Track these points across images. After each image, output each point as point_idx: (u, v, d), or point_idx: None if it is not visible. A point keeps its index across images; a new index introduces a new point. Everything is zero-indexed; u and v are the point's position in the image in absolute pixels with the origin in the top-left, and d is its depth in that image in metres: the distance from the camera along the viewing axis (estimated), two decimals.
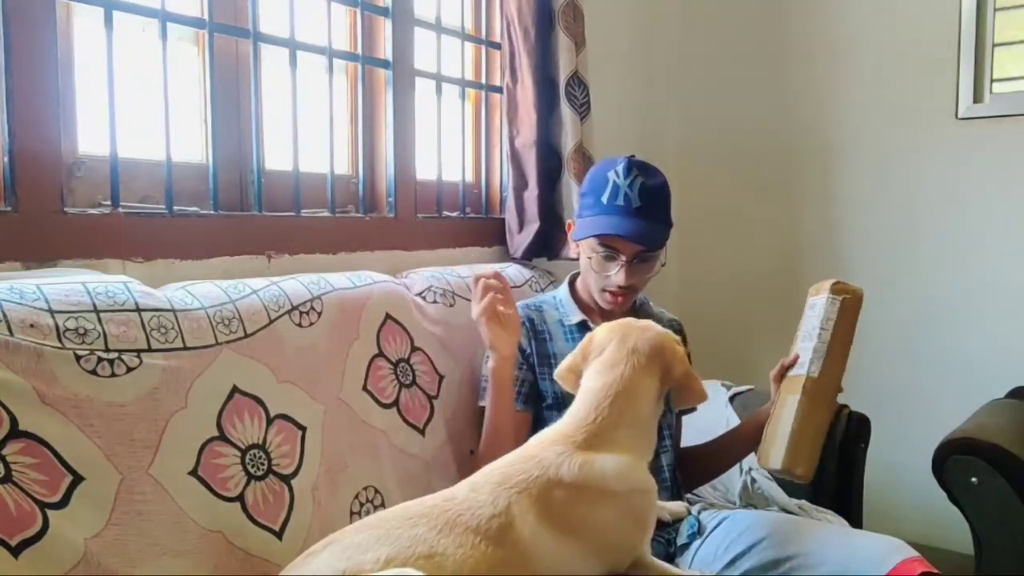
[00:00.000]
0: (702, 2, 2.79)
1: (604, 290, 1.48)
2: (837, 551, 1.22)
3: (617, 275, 1.43)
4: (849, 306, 1.39)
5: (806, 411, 1.33)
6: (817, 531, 1.34)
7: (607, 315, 1.53)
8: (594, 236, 1.44)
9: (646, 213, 1.43)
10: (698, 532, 1.40)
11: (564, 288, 1.59)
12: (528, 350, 1.49)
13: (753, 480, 1.77)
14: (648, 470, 1.08)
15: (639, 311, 1.57)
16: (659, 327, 1.19)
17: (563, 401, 1.35)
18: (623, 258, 1.43)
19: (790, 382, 1.39)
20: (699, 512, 1.48)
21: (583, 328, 1.50)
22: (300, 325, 1.31)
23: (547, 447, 1.04)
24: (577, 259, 1.57)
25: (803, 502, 1.77)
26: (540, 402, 1.49)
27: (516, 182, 1.99)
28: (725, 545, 1.33)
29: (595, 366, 1.14)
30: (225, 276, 1.36)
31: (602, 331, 1.18)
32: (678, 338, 1.19)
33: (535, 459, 1.01)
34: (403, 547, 0.87)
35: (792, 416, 1.34)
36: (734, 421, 1.83)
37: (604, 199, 1.45)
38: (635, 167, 1.45)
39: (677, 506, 1.44)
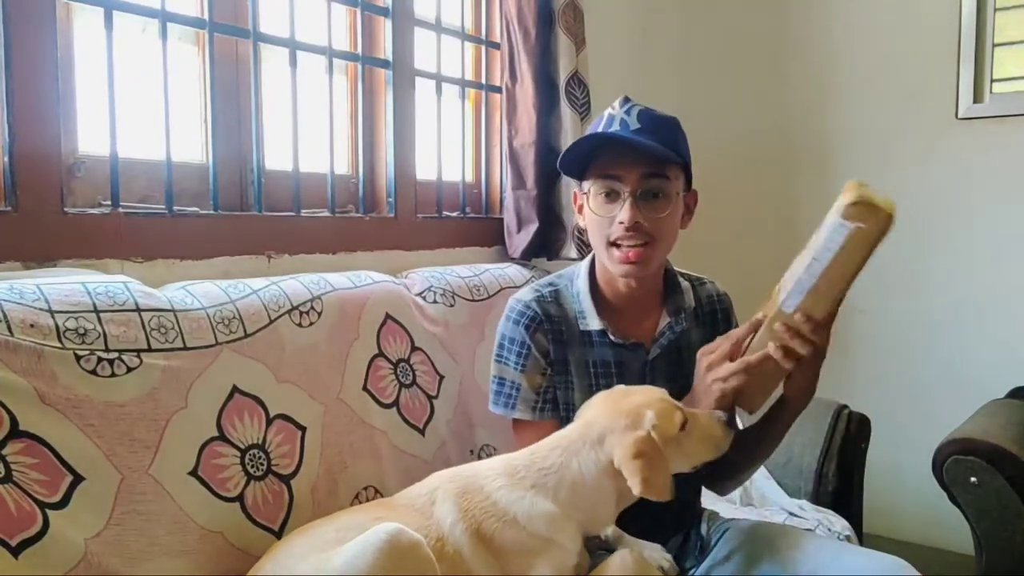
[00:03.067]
0: (702, 2, 2.79)
1: (612, 244, 1.23)
2: (835, 569, 1.15)
3: (621, 211, 1.20)
4: (860, 239, 1.06)
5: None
6: (814, 547, 1.22)
7: (631, 313, 1.31)
8: (577, 157, 1.24)
9: (647, 134, 1.21)
10: (704, 554, 1.32)
11: (583, 277, 1.33)
12: (549, 349, 1.30)
13: (752, 480, 1.77)
14: (572, 530, 1.07)
15: (672, 292, 1.35)
16: (641, 406, 1.07)
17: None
18: (626, 191, 1.20)
19: (767, 306, 1.14)
20: (709, 527, 1.36)
21: (603, 336, 1.29)
22: (300, 325, 1.31)
23: (495, 465, 1.12)
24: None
25: (803, 502, 1.77)
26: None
27: (514, 182, 1.99)
28: (721, 561, 1.28)
29: (574, 421, 1.16)
30: (225, 276, 1.36)
31: (597, 397, 1.16)
32: (649, 427, 1.05)
33: (482, 465, 1.14)
34: (359, 513, 1.09)
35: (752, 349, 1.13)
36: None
37: (591, 128, 1.28)
38: (633, 102, 1.26)
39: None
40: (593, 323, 1.29)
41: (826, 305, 1.09)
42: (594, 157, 1.25)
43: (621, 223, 1.21)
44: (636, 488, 1.03)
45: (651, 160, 1.21)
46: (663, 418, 1.08)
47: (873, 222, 1.07)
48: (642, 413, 1.07)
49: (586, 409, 1.16)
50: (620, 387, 1.17)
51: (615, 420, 1.08)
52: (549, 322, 1.30)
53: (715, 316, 1.39)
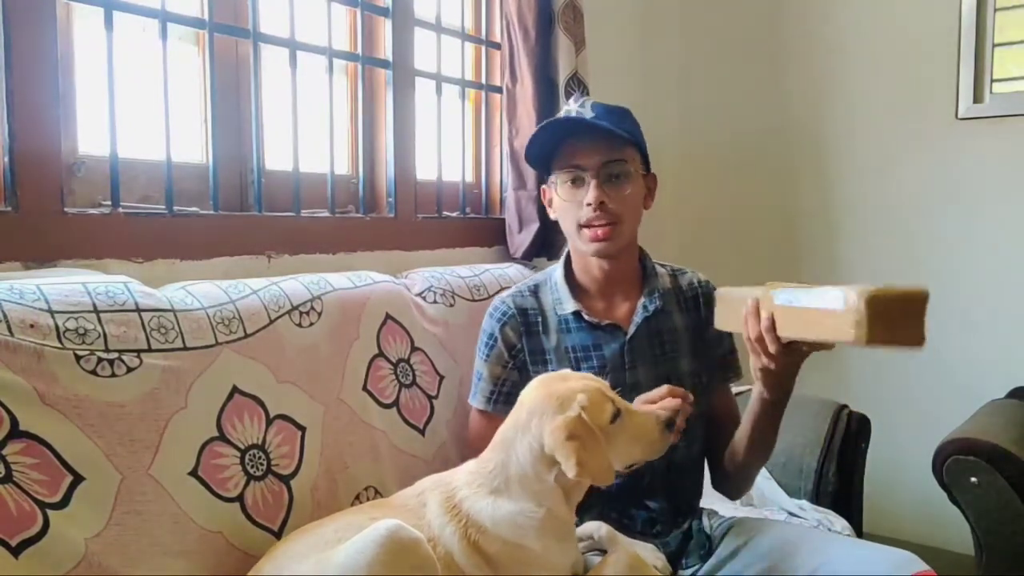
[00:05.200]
0: (702, 2, 2.79)
1: (582, 227, 1.31)
2: (845, 563, 1.14)
3: (588, 194, 1.28)
4: (833, 322, 0.97)
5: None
6: (823, 542, 1.24)
7: (607, 296, 1.38)
8: (537, 150, 1.31)
9: (602, 119, 1.29)
10: (709, 551, 1.31)
11: (560, 267, 1.41)
12: (519, 345, 1.36)
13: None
14: (538, 531, 1.05)
15: (648, 275, 1.39)
16: (573, 390, 1.06)
17: None
18: (589, 174, 1.29)
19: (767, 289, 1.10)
20: (712, 526, 1.37)
21: (578, 319, 1.34)
22: (300, 325, 1.31)
23: (460, 475, 1.12)
24: None
25: (803, 502, 1.77)
26: None
27: (515, 182, 1.99)
28: (727, 558, 1.27)
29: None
30: (225, 276, 1.36)
31: (533, 382, 1.15)
32: (578, 409, 1.04)
33: (458, 472, 1.14)
34: (352, 514, 1.10)
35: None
36: None
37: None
38: (586, 96, 1.35)
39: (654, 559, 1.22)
40: (568, 306, 1.36)
41: (786, 330, 1.06)
42: (557, 152, 1.34)
43: (588, 204, 1.29)
44: (570, 471, 1.00)
45: (609, 145, 1.29)
46: (594, 404, 1.06)
47: (850, 326, 0.93)
48: (572, 396, 1.06)
49: (522, 395, 1.14)
50: (562, 371, 1.16)
51: (544, 403, 1.07)
52: (523, 316, 1.37)
53: (698, 302, 1.42)
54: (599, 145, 1.29)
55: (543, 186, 1.41)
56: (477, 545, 1.04)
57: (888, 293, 0.93)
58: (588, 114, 1.30)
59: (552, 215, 1.40)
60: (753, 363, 1.15)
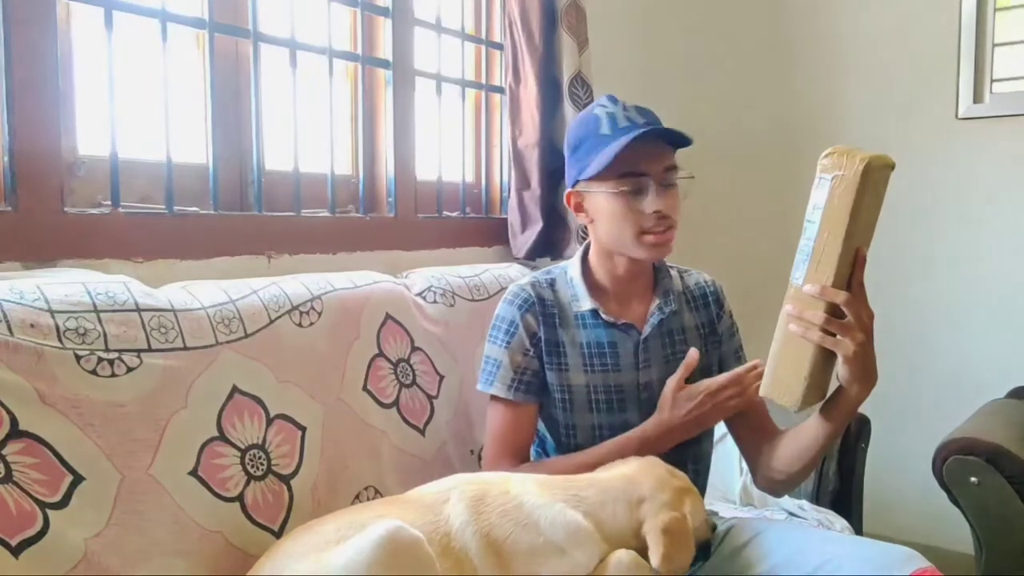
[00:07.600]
0: (704, 2, 2.79)
1: (644, 233, 1.29)
2: (846, 561, 1.14)
3: (652, 201, 1.26)
4: (842, 188, 1.08)
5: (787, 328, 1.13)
6: (824, 542, 1.23)
7: (623, 296, 1.38)
8: (614, 160, 1.24)
9: (653, 123, 1.29)
10: (708, 551, 1.30)
11: (576, 264, 1.40)
12: (539, 333, 1.34)
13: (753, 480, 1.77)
14: (592, 550, 1.07)
15: (661, 277, 1.41)
16: (684, 490, 1.14)
17: (572, 399, 1.32)
18: (651, 181, 1.27)
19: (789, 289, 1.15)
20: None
21: (595, 316, 1.34)
22: (300, 325, 1.31)
23: (527, 478, 1.14)
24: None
25: (803, 502, 1.77)
26: (544, 394, 1.36)
27: (519, 182, 1.99)
28: (730, 557, 1.27)
29: (608, 469, 1.20)
30: (225, 276, 1.36)
31: (645, 460, 1.20)
32: (688, 510, 1.12)
33: (512, 476, 1.15)
34: (363, 510, 1.08)
35: (776, 333, 1.14)
36: None
37: (603, 131, 1.28)
38: (620, 99, 1.33)
39: None
40: (585, 304, 1.36)
41: (830, 267, 1.08)
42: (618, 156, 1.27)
43: (656, 212, 1.27)
44: (655, 560, 1.05)
45: (664, 152, 1.29)
46: (696, 510, 1.14)
47: (849, 168, 1.07)
48: (684, 499, 1.13)
49: (626, 465, 1.18)
50: (665, 464, 1.19)
51: (659, 491, 1.12)
52: (542, 305, 1.36)
53: (707, 300, 1.44)
54: (661, 151, 1.29)
55: (569, 191, 1.36)
56: (500, 545, 1.04)
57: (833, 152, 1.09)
58: (639, 119, 1.29)
59: (583, 220, 1.37)
60: (841, 360, 1.11)
